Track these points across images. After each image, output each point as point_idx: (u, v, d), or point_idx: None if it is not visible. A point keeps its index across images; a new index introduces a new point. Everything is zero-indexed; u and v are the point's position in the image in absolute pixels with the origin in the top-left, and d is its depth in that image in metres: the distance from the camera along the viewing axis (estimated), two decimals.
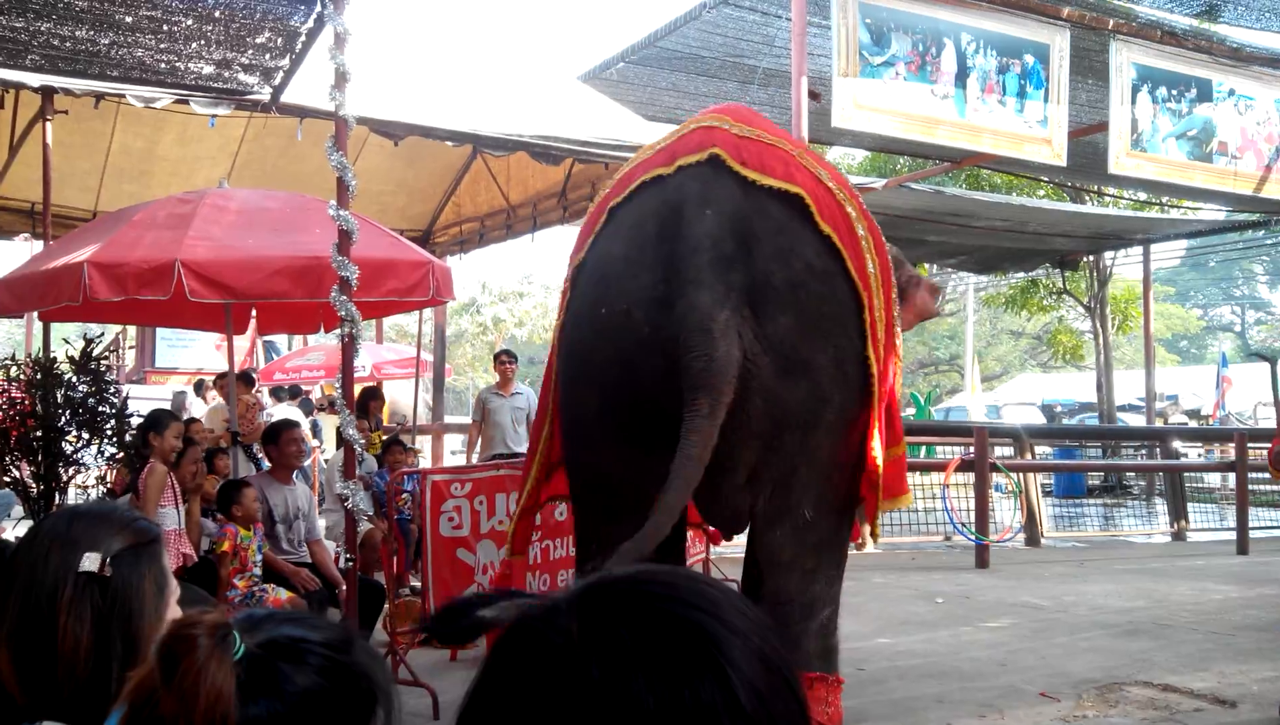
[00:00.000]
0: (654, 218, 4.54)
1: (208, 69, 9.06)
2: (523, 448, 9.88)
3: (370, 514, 7.51)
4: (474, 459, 11.22)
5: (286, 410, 14.59)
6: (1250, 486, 13.22)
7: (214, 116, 9.69)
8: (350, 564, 6.06)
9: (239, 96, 9.52)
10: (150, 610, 1.92)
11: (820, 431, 4.57)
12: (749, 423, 4.40)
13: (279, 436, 7.45)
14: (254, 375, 14.55)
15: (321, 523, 9.39)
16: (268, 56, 8.81)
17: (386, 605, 6.82)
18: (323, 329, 10.09)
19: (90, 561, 1.87)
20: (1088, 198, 19.83)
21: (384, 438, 9.95)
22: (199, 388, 16.64)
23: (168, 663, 1.16)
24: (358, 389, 7.90)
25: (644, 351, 4.42)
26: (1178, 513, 14.81)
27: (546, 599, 0.95)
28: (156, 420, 6.64)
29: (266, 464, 7.79)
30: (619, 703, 0.83)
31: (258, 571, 6.44)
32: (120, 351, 21.06)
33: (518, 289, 53.92)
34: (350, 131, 6.08)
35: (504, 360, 11.39)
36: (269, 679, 1.17)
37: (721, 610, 0.91)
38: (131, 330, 20.90)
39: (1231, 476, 13.89)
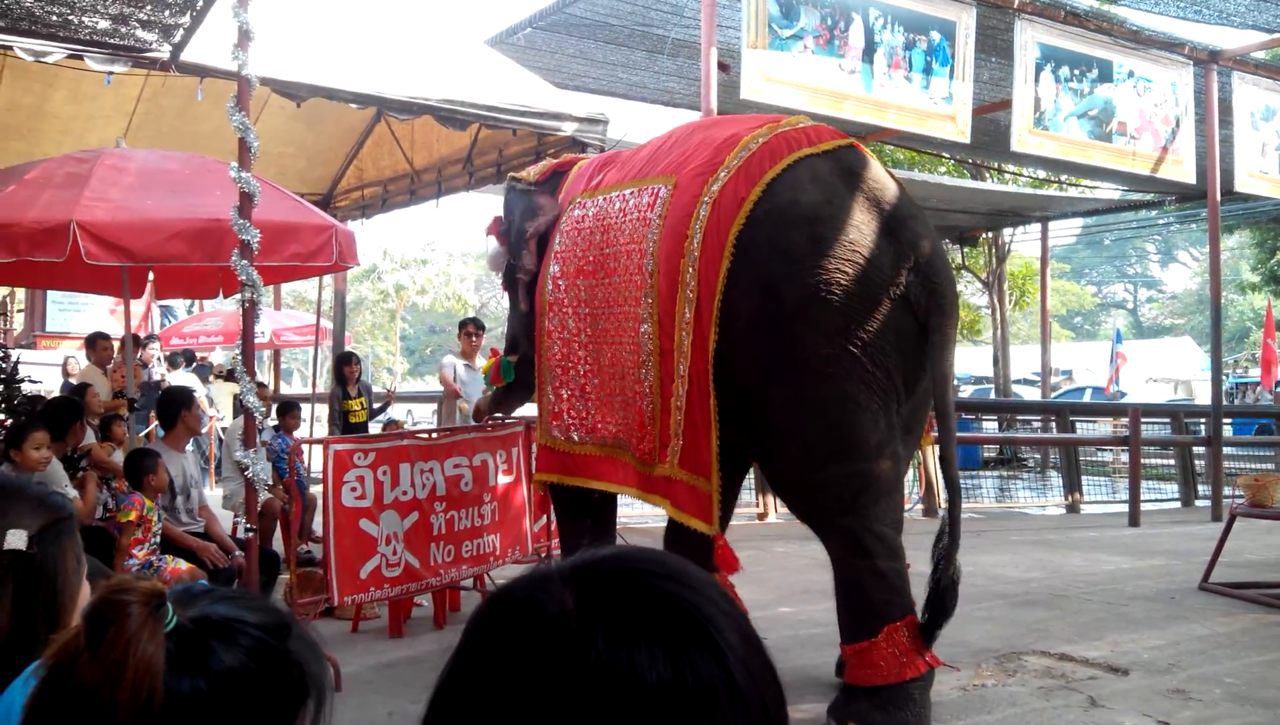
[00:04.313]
0: (835, 177, 5.17)
1: (103, 24, 8.74)
2: None
3: (270, 483, 7.38)
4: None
5: (183, 377, 14.33)
6: (1142, 460, 13.53)
7: (110, 74, 9.36)
8: (250, 534, 5.94)
9: (136, 54, 9.19)
10: (74, 585, 1.90)
11: None
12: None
13: (183, 405, 7.23)
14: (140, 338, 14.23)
15: (219, 491, 9.25)
16: (167, 13, 8.53)
17: (286, 576, 6.71)
18: (221, 294, 9.87)
19: (16, 539, 1.84)
20: (988, 175, 20.14)
21: (287, 401, 9.75)
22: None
23: (96, 628, 1.11)
24: (324, 355, 7.71)
25: (895, 272, 4.99)
26: (1072, 485, 15.13)
27: (533, 572, 0.94)
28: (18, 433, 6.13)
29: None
30: (620, 677, 0.82)
31: (157, 541, 6.28)
32: (8, 314, 20.51)
33: (420, 256, 53.28)
34: (252, 92, 5.93)
35: (471, 331, 10.28)
36: (199, 655, 1.12)
37: (709, 590, 0.91)
38: (21, 292, 20.30)
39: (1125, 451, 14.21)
